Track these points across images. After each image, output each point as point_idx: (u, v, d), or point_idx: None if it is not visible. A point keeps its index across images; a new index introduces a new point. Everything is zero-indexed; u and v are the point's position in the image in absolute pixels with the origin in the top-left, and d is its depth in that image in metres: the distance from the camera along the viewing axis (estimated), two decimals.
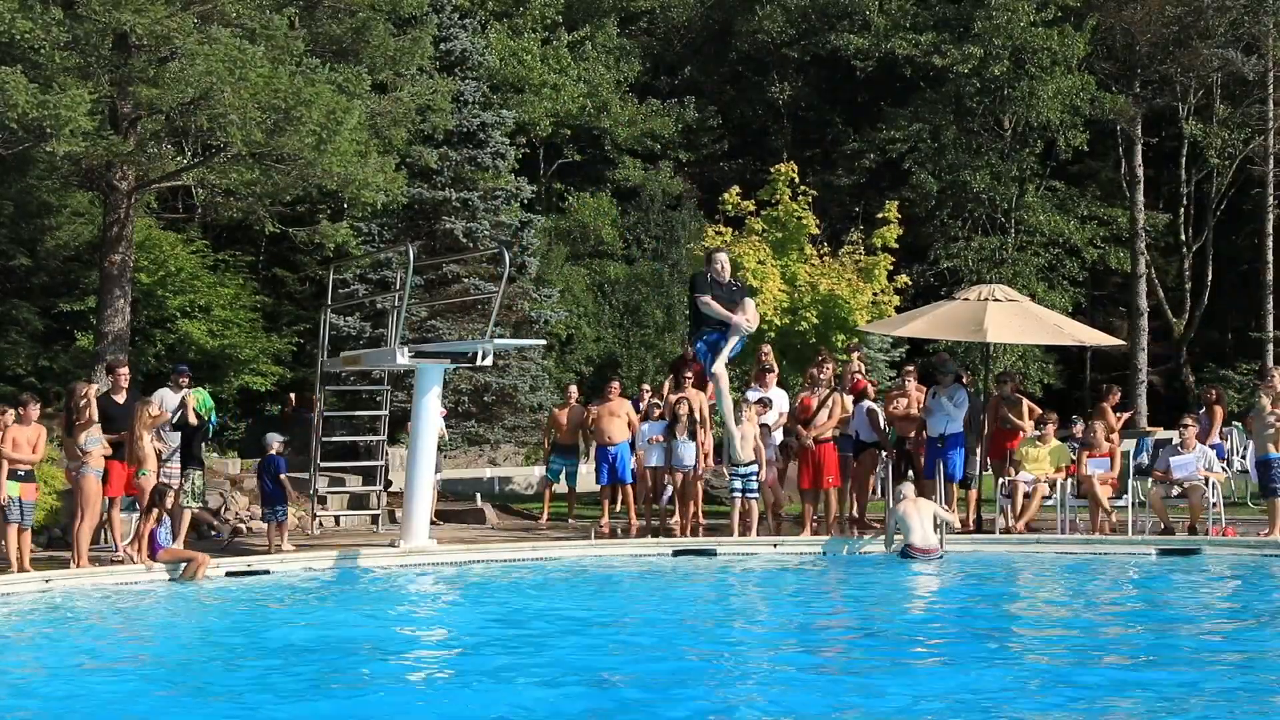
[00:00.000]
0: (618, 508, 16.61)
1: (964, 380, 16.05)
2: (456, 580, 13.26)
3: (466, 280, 22.29)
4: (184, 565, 12.47)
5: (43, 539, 13.91)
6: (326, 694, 8.23)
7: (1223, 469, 15.68)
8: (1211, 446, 16.16)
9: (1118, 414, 16.48)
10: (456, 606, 12.31)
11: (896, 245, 23.83)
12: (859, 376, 16.71)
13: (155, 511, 12.60)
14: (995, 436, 16.12)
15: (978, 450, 15.74)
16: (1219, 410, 16.89)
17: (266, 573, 13.05)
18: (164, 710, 7.86)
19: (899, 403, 15.92)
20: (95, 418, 12.60)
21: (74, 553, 12.44)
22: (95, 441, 12.52)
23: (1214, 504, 14.83)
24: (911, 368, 16.89)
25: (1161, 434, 18.38)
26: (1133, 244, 32.15)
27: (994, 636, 10.06)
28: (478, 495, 18.21)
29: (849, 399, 15.64)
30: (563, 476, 17.18)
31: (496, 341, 14.52)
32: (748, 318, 11.57)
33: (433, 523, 15.09)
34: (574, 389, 17.95)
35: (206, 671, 8.85)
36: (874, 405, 16.06)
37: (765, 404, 15.68)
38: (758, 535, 14.84)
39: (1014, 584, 13.23)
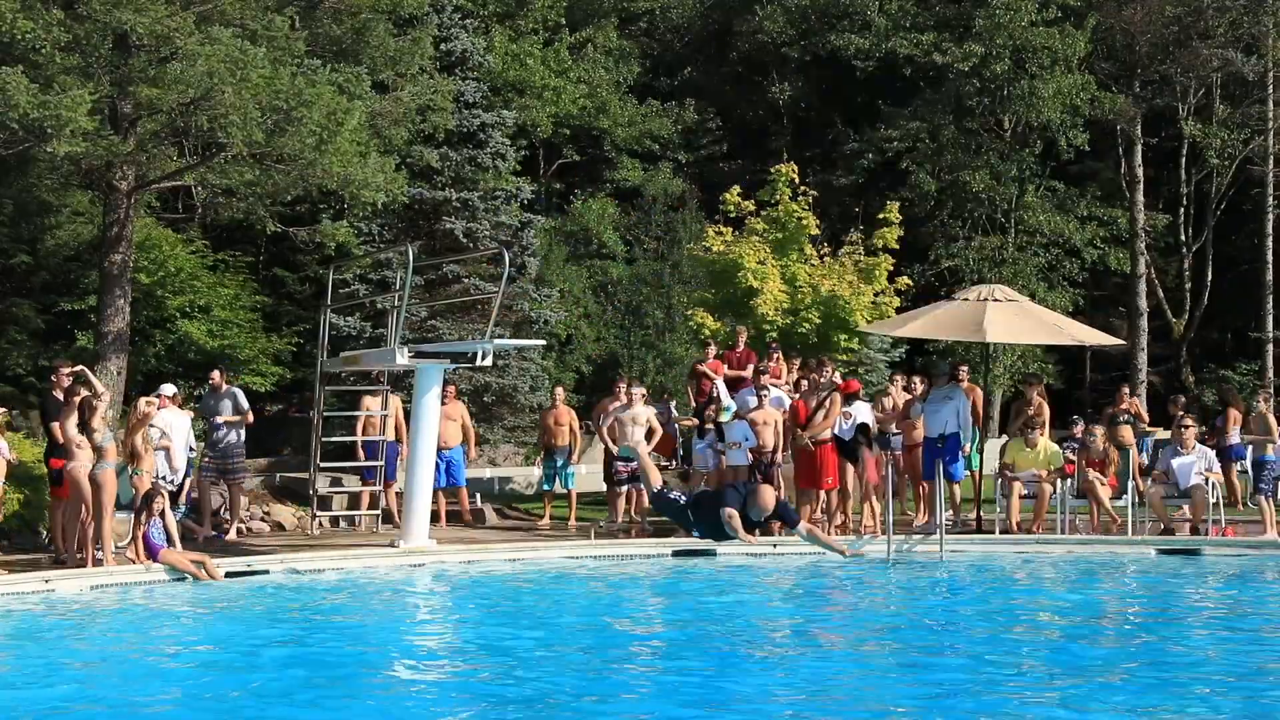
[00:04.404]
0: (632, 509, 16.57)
1: (960, 378, 16.13)
2: (455, 581, 13.26)
3: (466, 280, 22.26)
4: (193, 573, 12.47)
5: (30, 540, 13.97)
6: (315, 696, 8.22)
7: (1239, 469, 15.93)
8: (1229, 445, 16.32)
9: (1126, 421, 16.50)
10: (453, 607, 12.31)
11: (897, 246, 23.85)
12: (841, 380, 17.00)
13: (145, 513, 12.61)
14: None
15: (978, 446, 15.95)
16: (1233, 412, 16.97)
17: (266, 573, 13.05)
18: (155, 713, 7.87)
19: (882, 402, 16.50)
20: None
21: (91, 551, 12.45)
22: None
23: (1213, 504, 14.87)
24: (898, 375, 17.26)
25: (1161, 434, 18.41)
26: (1132, 244, 32.13)
27: (992, 638, 10.07)
28: (478, 495, 18.21)
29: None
30: (556, 480, 17.16)
31: (496, 342, 14.54)
32: None
33: (432, 523, 15.10)
34: (560, 390, 18.00)
35: (195, 675, 8.84)
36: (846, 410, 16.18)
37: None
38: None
39: (1012, 585, 13.24)
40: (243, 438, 15.99)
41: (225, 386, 16.03)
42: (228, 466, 15.72)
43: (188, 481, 15.16)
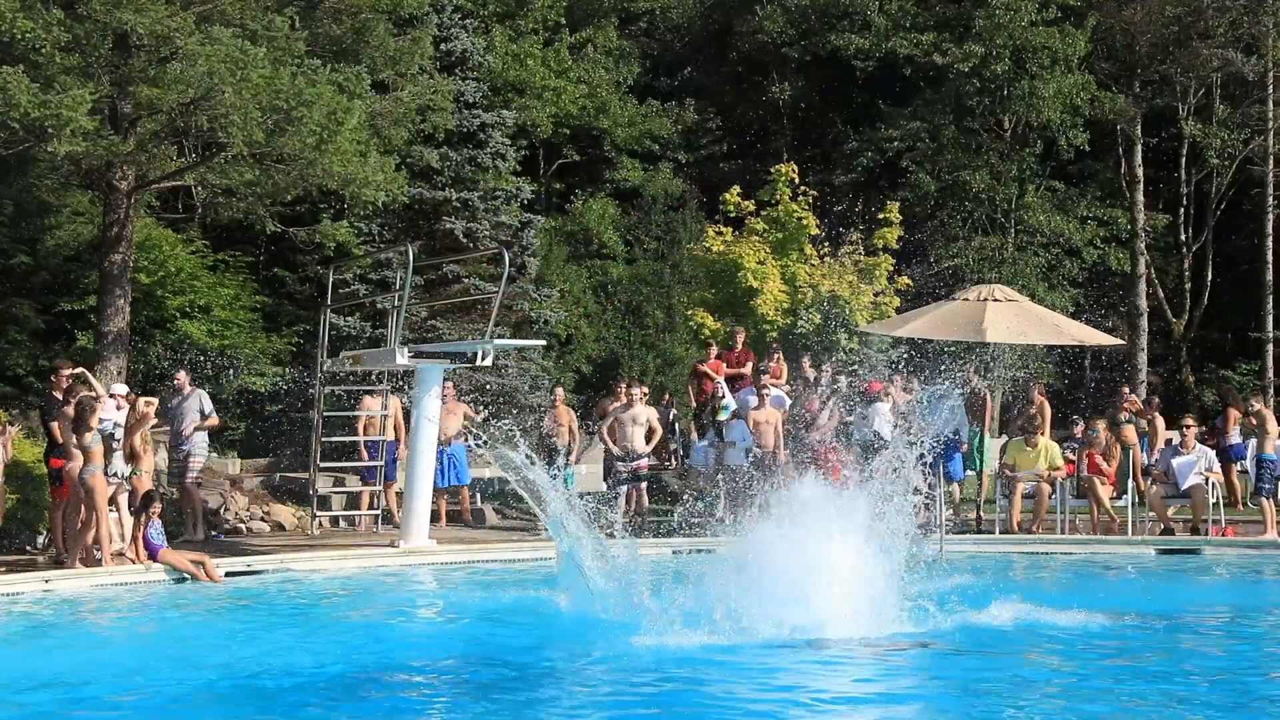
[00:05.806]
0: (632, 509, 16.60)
1: (971, 380, 16.16)
2: (454, 581, 13.26)
3: (466, 280, 22.26)
4: (192, 573, 12.46)
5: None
6: (315, 697, 8.21)
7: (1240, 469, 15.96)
8: (1229, 445, 16.32)
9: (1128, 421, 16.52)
10: (452, 607, 12.30)
11: (897, 246, 23.86)
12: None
13: (144, 514, 12.60)
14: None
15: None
16: (1233, 412, 16.98)
17: (266, 573, 13.04)
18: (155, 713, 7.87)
19: None
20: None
21: (90, 552, 12.46)
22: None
23: (1213, 504, 14.89)
24: (897, 376, 17.30)
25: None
26: (1133, 244, 32.13)
27: (992, 638, 10.06)
28: (478, 495, 18.22)
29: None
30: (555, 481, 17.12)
31: (496, 342, 14.55)
32: None
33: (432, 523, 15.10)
34: (560, 390, 18.01)
35: (194, 676, 8.83)
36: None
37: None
38: None
39: (1012, 584, 13.22)
40: (205, 440, 15.56)
41: (190, 389, 15.48)
42: (186, 467, 15.12)
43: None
